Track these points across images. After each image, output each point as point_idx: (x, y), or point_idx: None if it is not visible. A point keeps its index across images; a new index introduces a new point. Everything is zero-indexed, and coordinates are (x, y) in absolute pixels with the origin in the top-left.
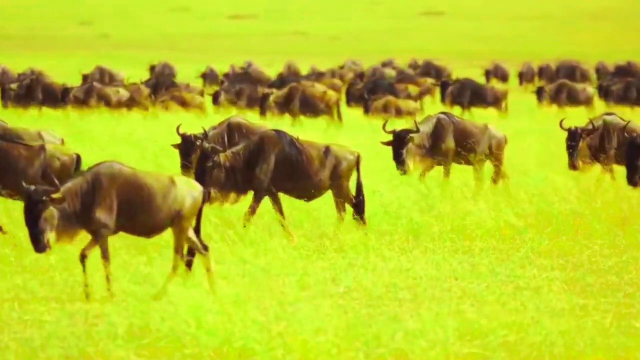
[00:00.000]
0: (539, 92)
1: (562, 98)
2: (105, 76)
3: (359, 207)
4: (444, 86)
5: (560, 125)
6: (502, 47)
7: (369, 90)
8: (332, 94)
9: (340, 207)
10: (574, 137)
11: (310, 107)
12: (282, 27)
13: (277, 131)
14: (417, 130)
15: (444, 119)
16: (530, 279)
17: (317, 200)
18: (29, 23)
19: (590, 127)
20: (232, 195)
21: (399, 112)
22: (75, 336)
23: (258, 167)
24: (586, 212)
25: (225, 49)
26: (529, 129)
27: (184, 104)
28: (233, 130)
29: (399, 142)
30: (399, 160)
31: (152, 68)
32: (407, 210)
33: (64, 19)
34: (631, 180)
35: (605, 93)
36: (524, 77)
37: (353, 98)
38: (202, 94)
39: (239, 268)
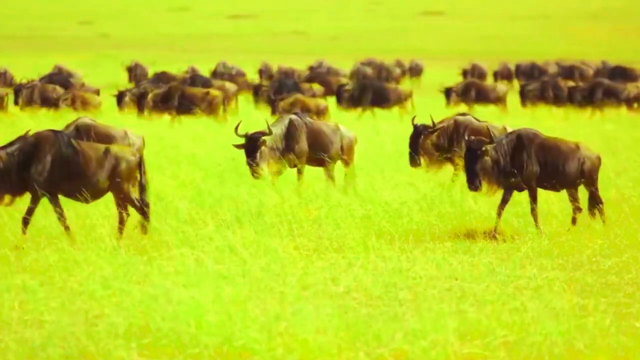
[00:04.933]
0: (447, 93)
1: (470, 97)
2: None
3: (142, 210)
4: (339, 90)
5: (412, 122)
6: (502, 47)
7: (275, 90)
8: (215, 94)
9: (126, 206)
10: (415, 134)
11: (191, 106)
12: (282, 27)
13: (54, 131)
14: (270, 133)
15: (297, 120)
16: (530, 279)
17: (317, 200)
18: (29, 23)
19: (444, 125)
20: (7, 197)
21: (307, 111)
22: (75, 336)
23: (33, 167)
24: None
25: (225, 49)
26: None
27: (84, 103)
28: (81, 132)
29: (251, 145)
30: (252, 163)
31: (129, 69)
32: (407, 210)
33: (64, 19)
34: (471, 185)
35: (521, 94)
36: (500, 75)
37: (261, 98)
38: (98, 93)
39: (239, 268)
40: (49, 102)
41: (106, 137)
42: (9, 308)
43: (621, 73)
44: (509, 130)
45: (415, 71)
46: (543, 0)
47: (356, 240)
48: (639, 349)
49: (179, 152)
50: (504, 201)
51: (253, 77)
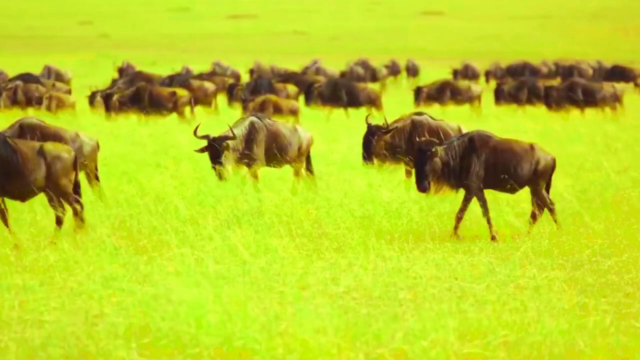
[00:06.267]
0: (417, 92)
1: (446, 97)
2: (52, 75)
3: (76, 210)
4: (308, 88)
5: (366, 121)
6: (501, 47)
7: (251, 89)
8: (182, 93)
9: (79, 204)
10: (367, 133)
11: (158, 106)
12: (282, 27)
13: None
14: (234, 137)
15: (257, 122)
16: (530, 278)
17: (318, 199)
18: (28, 23)
19: (399, 125)
20: None
21: (278, 111)
22: (75, 336)
23: None
24: (586, 212)
25: (225, 49)
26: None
27: (60, 103)
28: (25, 131)
29: (215, 150)
30: (218, 167)
31: (119, 69)
32: (407, 210)
33: (64, 19)
34: (420, 186)
35: (496, 93)
36: (491, 75)
37: (235, 98)
38: (69, 92)
39: (239, 268)
40: (32, 102)
41: (54, 138)
42: (9, 308)
43: (619, 73)
44: (464, 131)
45: (412, 71)
46: (543, 0)
47: (356, 240)
48: (639, 349)
49: (178, 152)
50: (483, 202)
51: (246, 77)
